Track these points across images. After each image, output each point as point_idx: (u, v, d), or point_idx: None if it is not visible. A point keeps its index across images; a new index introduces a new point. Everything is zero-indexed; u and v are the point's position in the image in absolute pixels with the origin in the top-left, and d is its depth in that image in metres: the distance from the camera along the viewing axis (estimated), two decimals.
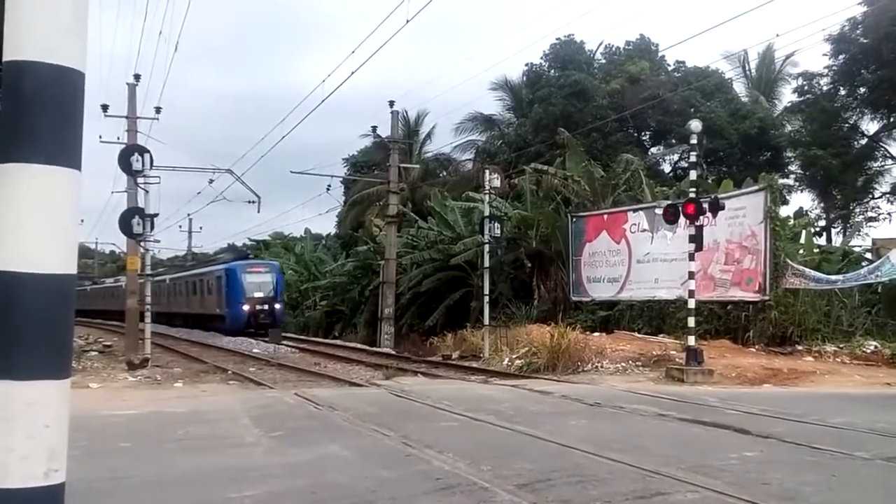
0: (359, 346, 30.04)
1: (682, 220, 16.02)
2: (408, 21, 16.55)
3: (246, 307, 35.02)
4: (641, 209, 22.72)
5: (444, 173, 44.25)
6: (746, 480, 6.27)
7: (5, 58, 1.98)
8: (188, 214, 55.26)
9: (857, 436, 8.48)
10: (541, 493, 5.87)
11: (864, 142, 33.57)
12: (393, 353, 26.14)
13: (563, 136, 31.10)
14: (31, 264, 1.93)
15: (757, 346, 19.05)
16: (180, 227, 56.56)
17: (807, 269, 19.73)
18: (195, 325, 39.56)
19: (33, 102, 1.95)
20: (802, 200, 42.07)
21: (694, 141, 16.02)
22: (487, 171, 23.12)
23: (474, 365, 19.77)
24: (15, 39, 1.97)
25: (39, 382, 1.93)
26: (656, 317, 22.83)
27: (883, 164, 33.98)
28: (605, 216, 24.11)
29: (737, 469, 6.72)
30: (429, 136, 46.47)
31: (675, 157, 38.77)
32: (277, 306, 36.28)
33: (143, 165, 18.60)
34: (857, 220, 34.61)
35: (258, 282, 36.02)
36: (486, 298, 21.46)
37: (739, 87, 39.94)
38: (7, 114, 1.98)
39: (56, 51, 1.96)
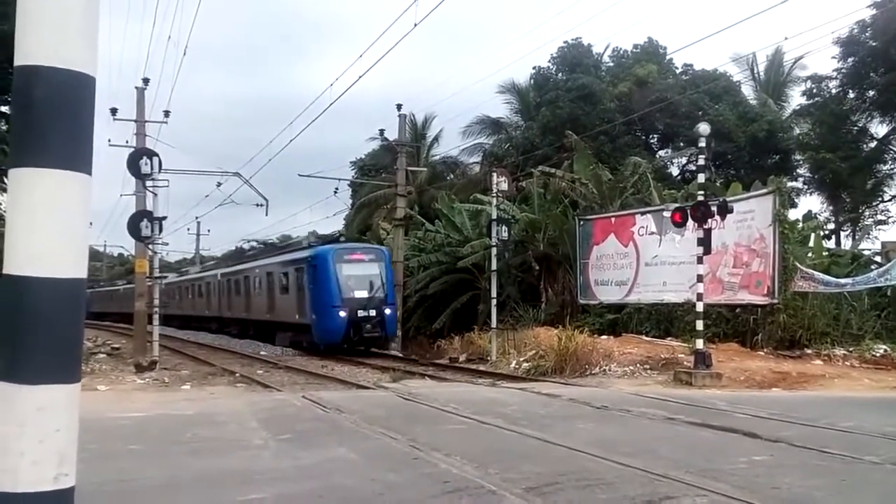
0: None
1: (690, 223, 15.97)
2: (416, 25, 16.59)
3: (343, 313, 23.92)
4: (649, 212, 22.67)
5: (452, 176, 44.25)
6: (756, 484, 6.24)
7: (17, 63, 1.99)
8: (196, 217, 55.39)
9: (867, 440, 8.44)
10: (549, 496, 5.86)
11: (873, 145, 33.43)
12: (400, 355, 26.06)
13: (571, 139, 31.08)
14: (42, 268, 1.93)
15: (765, 350, 18.98)
16: (188, 229, 56.72)
17: (816, 273, 19.65)
18: (262, 335, 30.06)
19: (44, 107, 1.95)
20: (811, 203, 41.95)
21: (702, 144, 15.98)
22: (495, 174, 23.10)
23: (482, 368, 19.76)
24: (26, 44, 1.98)
25: (50, 386, 1.94)
26: (664, 320, 22.77)
27: (892, 167, 33.83)
28: (613, 219, 24.07)
29: (746, 473, 6.70)
30: (436, 139, 46.50)
31: (684, 160, 38.59)
32: (388, 311, 24.94)
33: (151, 169, 18.69)
34: (866, 223, 34.47)
35: (361, 275, 24.93)
36: (494, 301, 21.44)
37: (748, 90, 39.84)
38: (18, 118, 1.99)
39: (67, 56, 1.97)
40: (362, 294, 24.54)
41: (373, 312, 24.37)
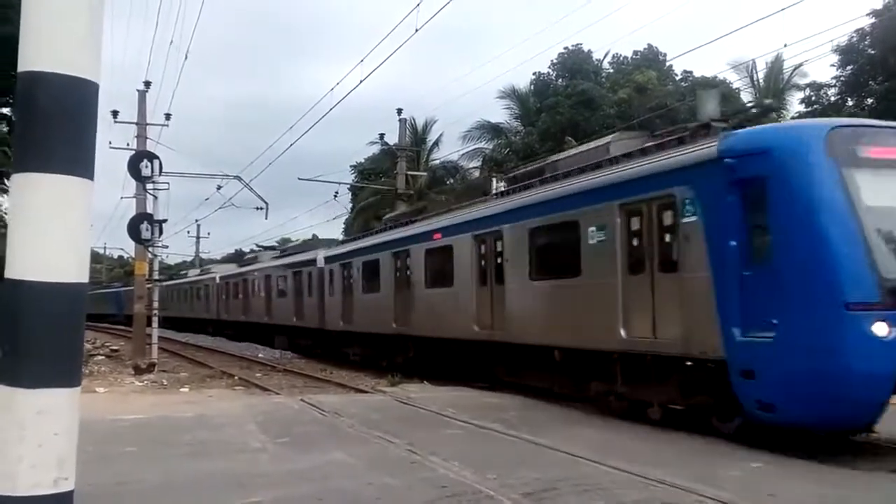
0: None
1: None
2: (417, 30, 16.55)
3: (884, 329, 7.17)
4: None
5: (452, 181, 44.21)
6: (753, 491, 6.25)
7: (20, 68, 2.00)
8: (196, 220, 55.34)
9: (863, 447, 8.43)
10: (546, 502, 5.86)
11: None
12: None
13: (570, 145, 31.11)
14: (45, 273, 1.94)
15: None
16: (188, 232, 56.72)
17: None
18: (467, 369, 15.65)
19: (48, 113, 1.96)
20: None
21: None
22: (494, 179, 23.08)
23: None
24: (30, 51, 1.99)
25: (50, 390, 1.94)
26: None
27: None
28: None
29: (743, 479, 6.70)
30: (436, 143, 46.44)
31: None
32: None
33: (152, 171, 18.69)
34: None
35: None
36: None
37: (747, 97, 39.87)
38: (22, 124, 2.00)
39: (71, 62, 1.98)
40: None
41: None
